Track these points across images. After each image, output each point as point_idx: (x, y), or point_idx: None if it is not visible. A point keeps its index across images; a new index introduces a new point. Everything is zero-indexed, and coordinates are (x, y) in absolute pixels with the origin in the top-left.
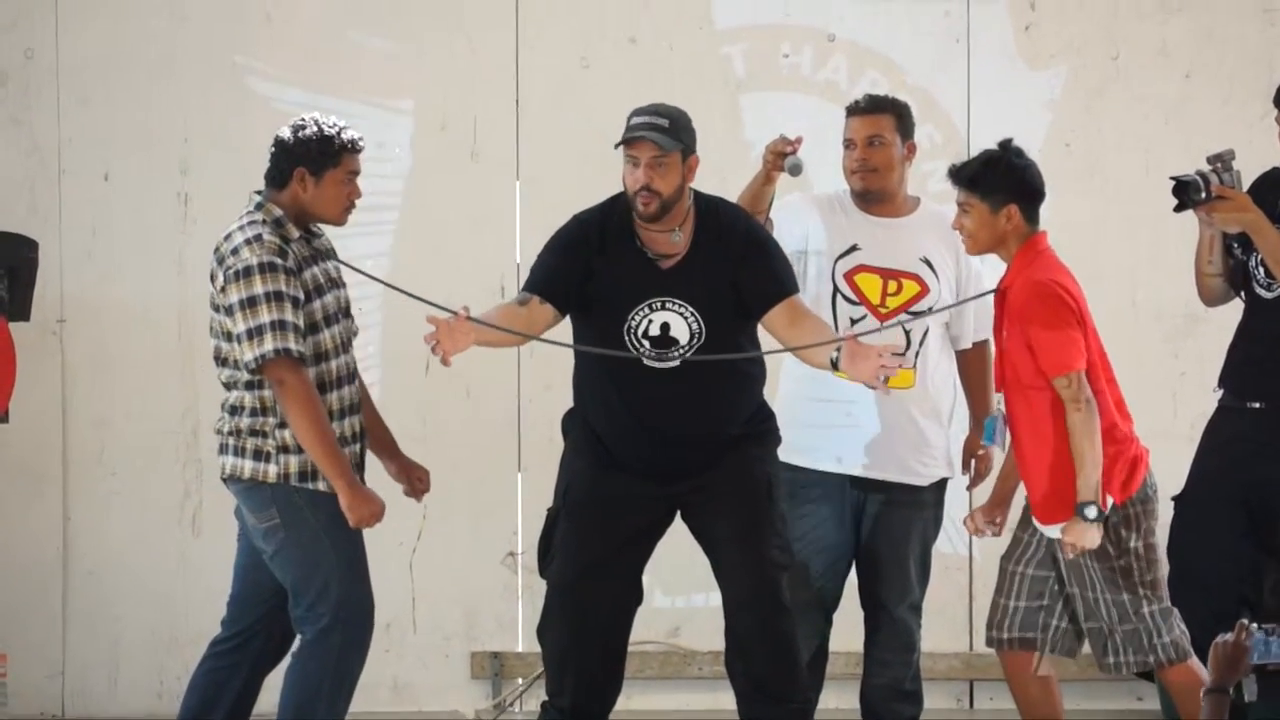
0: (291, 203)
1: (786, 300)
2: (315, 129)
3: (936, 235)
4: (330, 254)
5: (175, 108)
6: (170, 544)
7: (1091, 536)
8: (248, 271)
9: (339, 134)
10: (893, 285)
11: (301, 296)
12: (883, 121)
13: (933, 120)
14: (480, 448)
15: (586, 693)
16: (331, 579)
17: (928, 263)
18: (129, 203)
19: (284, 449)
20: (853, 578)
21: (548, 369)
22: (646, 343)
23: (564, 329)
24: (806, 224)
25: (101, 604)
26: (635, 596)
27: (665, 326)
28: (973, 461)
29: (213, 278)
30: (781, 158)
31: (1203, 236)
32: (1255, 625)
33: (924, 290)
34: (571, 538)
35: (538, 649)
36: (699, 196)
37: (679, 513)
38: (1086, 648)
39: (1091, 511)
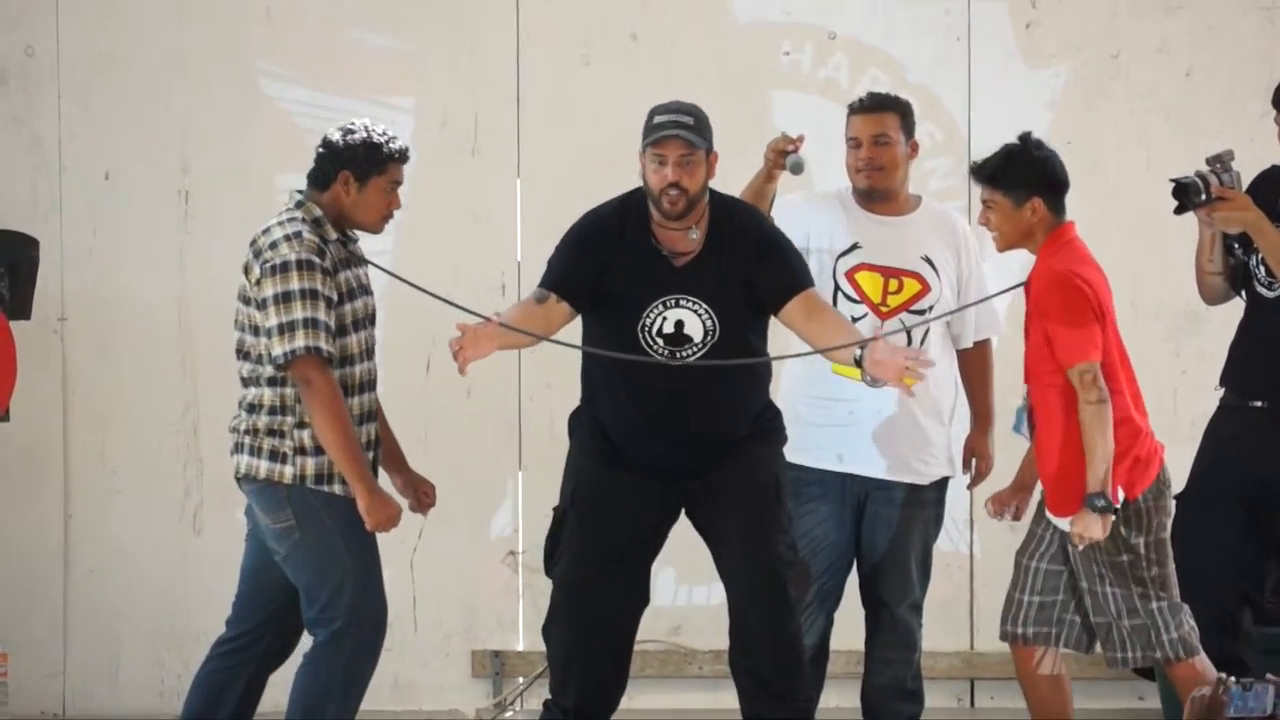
0: (332, 204)
1: (802, 294)
2: (364, 134)
3: (938, 234)
4: (362, 260)
5: (176, 105)
6: (171, 542)
7: (1099, 528)
8: (285, 267)
9: (387, 142)
10: (894, 284)
11: (335, 298)
12: (888, 120)
13: (933, 118)
14: (481, 446)
15: (591, 692)
16: (346, 582)
17: (929, 261)
18: (130, 200)
19: (301, 450)
20: (853, 576)
21: (548, 367)
22: (660, 340)
23: (571, 328)
24: (808, 222)
25: (102, 602)
26: (642, 596)
27: (679, 324)
28: (973, 460)
29: (246, 270)
30: (783, 156)
31: (1203, 236)
32: (1233, 680)
33: (925, 289)
34: (579, 537)
35: (539, 648)
36: (713, 194)
37: (684, 510)
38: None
39: (1099, 503)
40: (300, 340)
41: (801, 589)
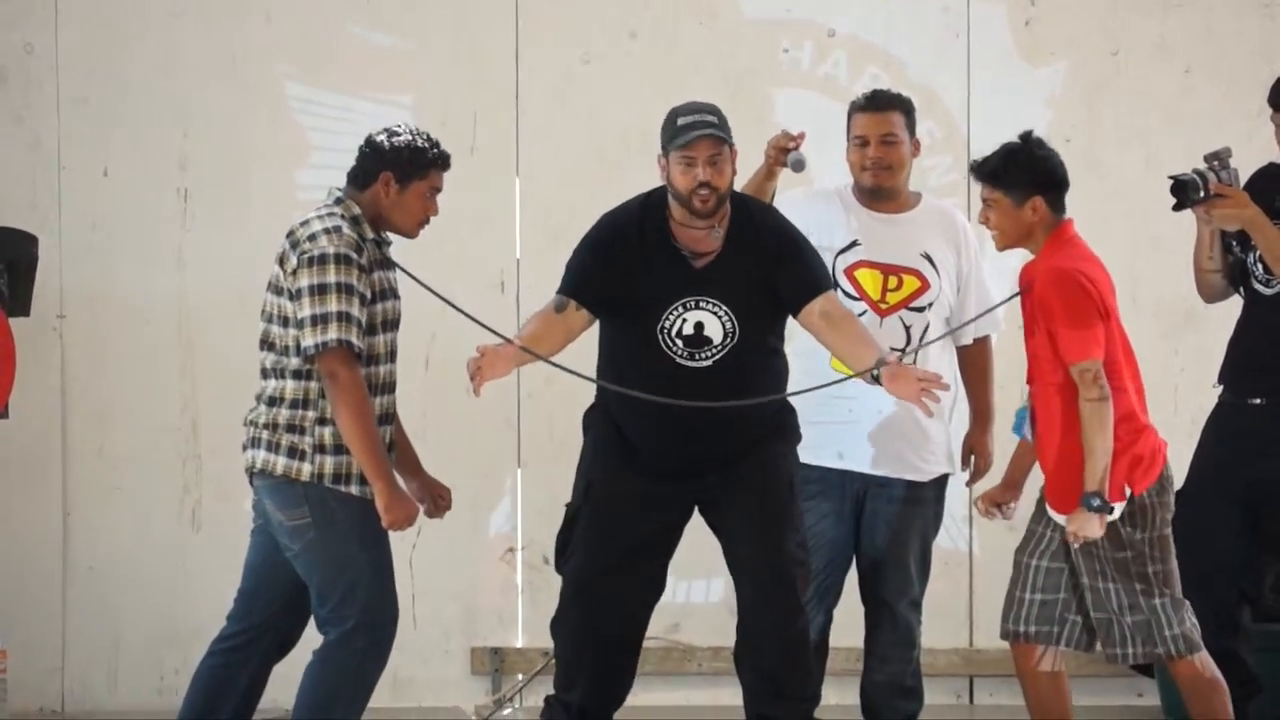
0: (371, 204)
1: (822, 297)
2: (409, 137)
3: (938, 230)
4: (392, 264)
5: (175, 103)
6: (170, 539)
7: (1094, 526)
8: (323, 259)
9: (431, 147)
10: (893, 281)
11: (368, 295)
12: (894, 119)
13: (933, 116)
14: (480, 444)
15: (599, 688)
16: (359, 582)
17: (928, 258)
18: (128, 198)
19: (320, 448)
20: (853, 574)
21: (548, 365)
22: (680, 341)
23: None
24: (807, 219)
25: (101, 599)
26: (655, 592)
27: (699, 326)
28: (972, 457)
29: (282, 260)
30: (784, 153)
31: (1202, 233)
32: None
33: (924, 286)
34: (593, 535)
35: (538, 645)
36: (731, 193)
37: (697, 507)
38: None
39: (1095, 502)
40: (332, 333)
41: (804, 587)
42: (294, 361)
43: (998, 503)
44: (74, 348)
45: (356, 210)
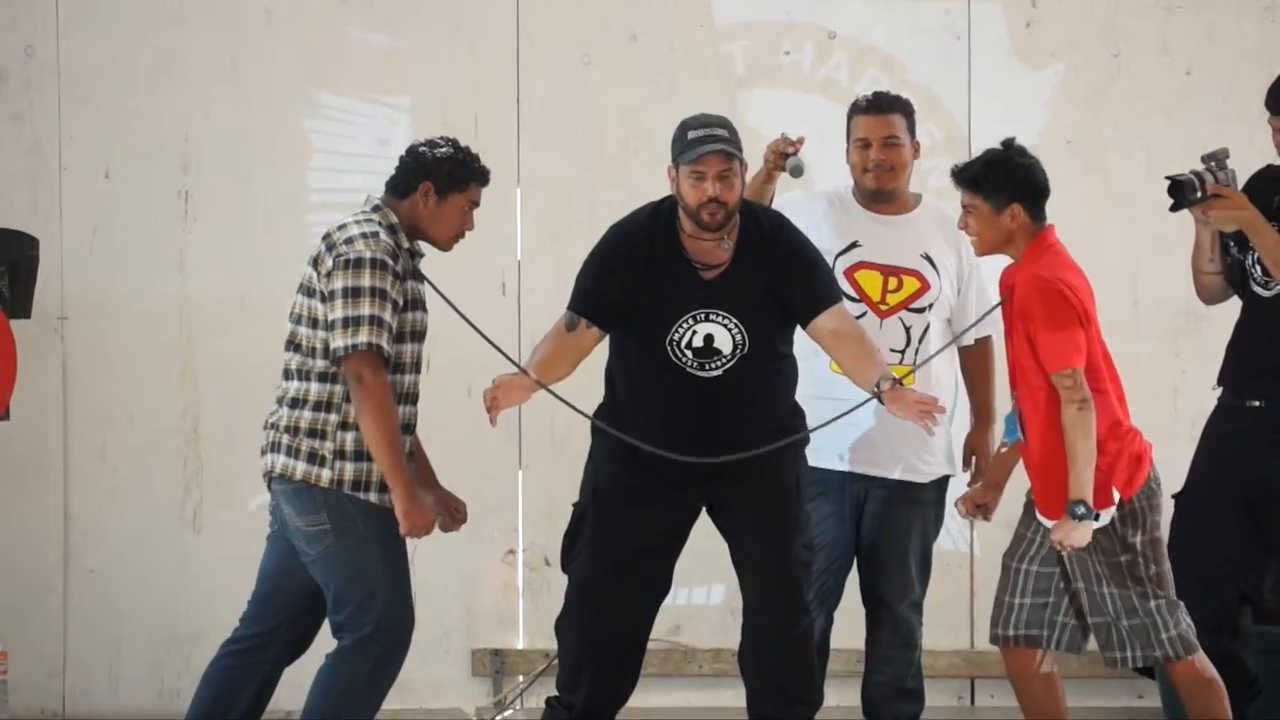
0: (408, 213)
1: (832, 310)
2: (451, 149)
3: (938, 231)
4: (422, 277)
5: (176, 105)
6: (171, 542)
7: (1081, 534)
8: (359, 263)
9: (473, 161)
10: (893, 282)
11: (400, 303)
12: (896, 121)
13: (934, 118)
14: (481, 446)
15: (603, 689)
16: (377, 589)
17: (929, 259)
18: (130, 200)
19: (341, 454)
20: (854, 575)
21: None
22: (689, 353)
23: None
24: (807, 220)
25: (102, 602)
26: (659, 595)
27: (709, 338)
28: (974, 458)
29: (316, 262)
30: (783, 158)
31: (1200, 235)
32: None
33: (925, 287)
34: (600, 535)
35: (538, 646)
36: (742, 203)
37: (705, 509)
38: (1092, 644)
39: (1080, 510)
40: (363, 336)
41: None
42: (320, 364)
43: (978, 503)
44: (75, 350)
45: (394, 219)
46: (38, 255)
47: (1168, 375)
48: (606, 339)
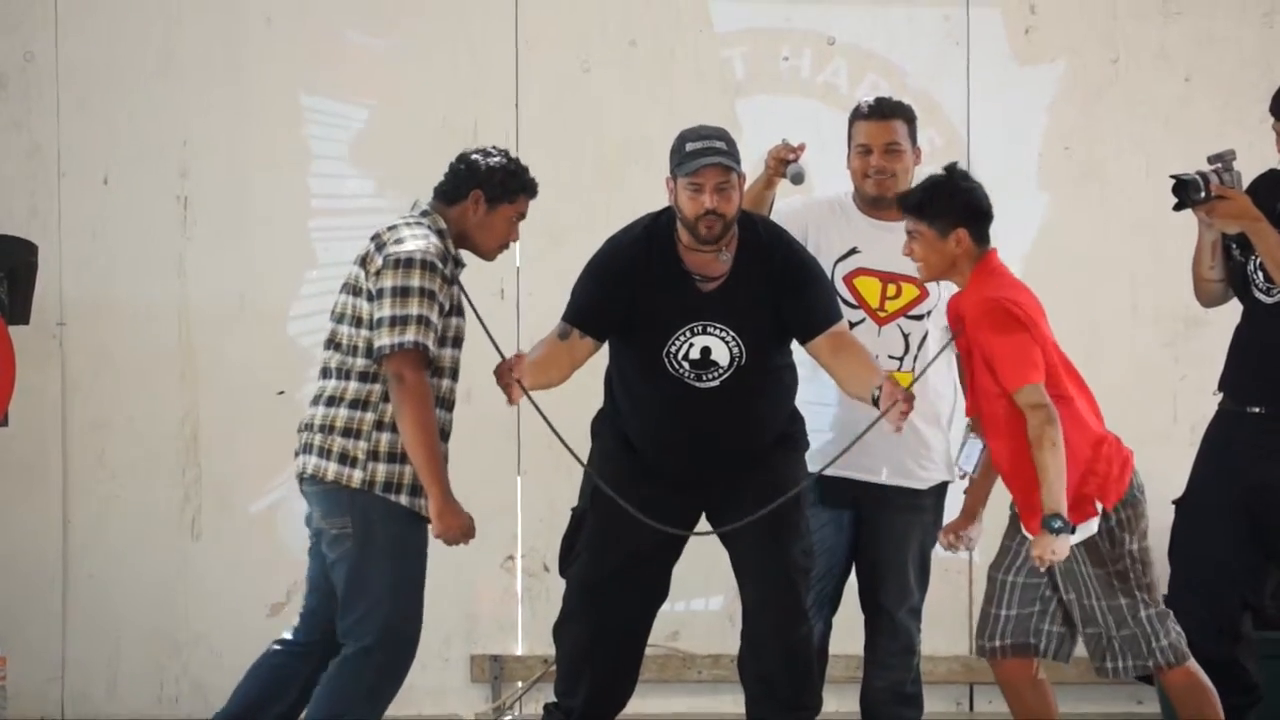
0: (457, 220)
1: (832, 330)
2: (504, 159)
3: None
4: (460, 285)
5: (175, 111)
6: (170, 547)
7: (1060, 548)
8: (409, 263)
9: (524, 173)
10: (892, 289)
11: (447, 307)
12: (897, 127)
13: (933, 123)
14: (480, 451)
15: (601, 693)
16: (384, 598)
17: None
18: (129, 206)
19: (374, 455)
20: (852, 581)
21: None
22: (686, 365)
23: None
24: (806, 227)
25: (101, 607)
26: (657, 600)
27: (706, 350)
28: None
29: (364, 261)
30: (784, 164)
31: (1202, 240)
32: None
33: (923, 294)
34: (599, 539)
35: (537, 652)
36: (741, 214)
37: (704, 513)
38: (1080, 649)
39: (1057, 524)
40: (410, 335)
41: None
42: (360, 362)
43: (958, 533)
44: (74, 356)
45: (443, 224)
46: (37, 261)
47: (1167, 380)
48: (605, 346)
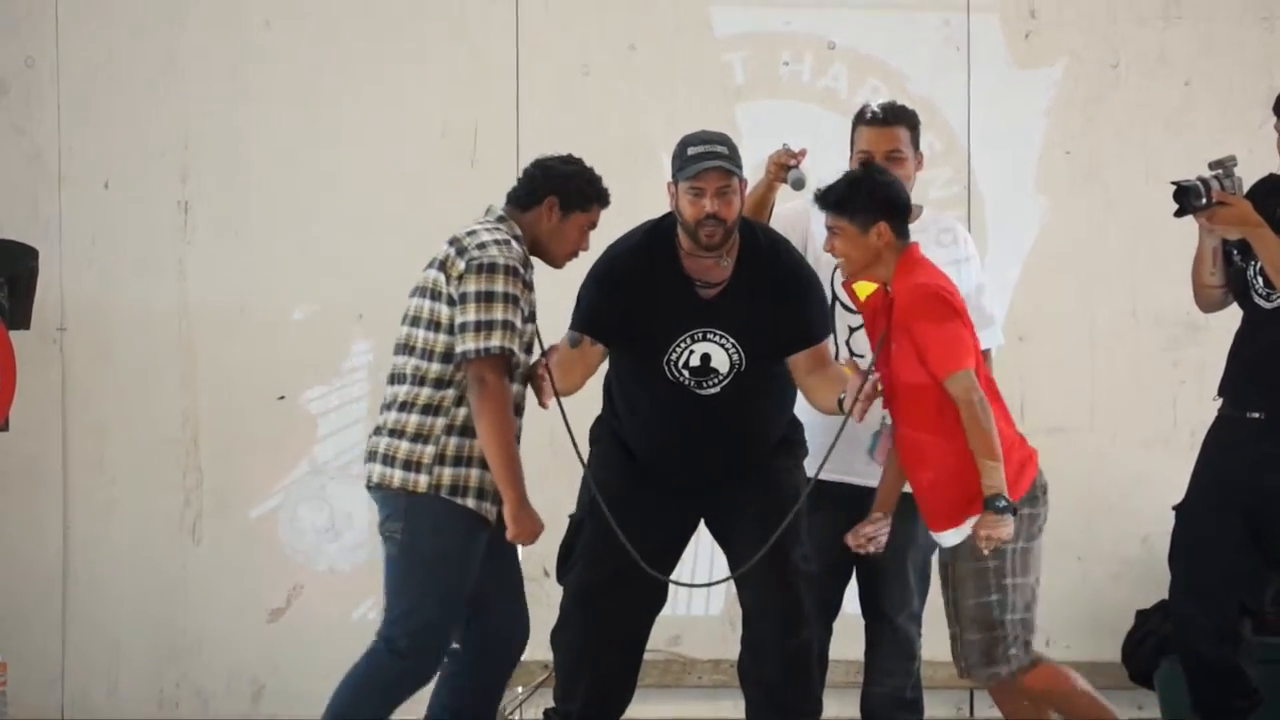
0: (531, 226)
1: (814, 348)
2: (579, 168)
3: (938, 245)
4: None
5: (175, 115)
6: (170, 552)
7: (1005, 528)
8: (493, 268)
9: (599, 182)
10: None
11: (527, 313)
12: (900, 134)
13: (933, 128)
14: None
15: (599, 700)
16: (421, 605)
17: None
18: (129, 210)
19: (441, 459)
20: (852, 586)
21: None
22: (686, 372)
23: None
24: (807, 232)
25: (101, 612)
26: (656, 606)
27: (705, 357)
28: None
29: (443, 265)
30: (784, 169)
31: (1202, 246)
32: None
33: None
34: (597, 545)
35: (537, 657)
36: (741, 220)
37: (703, 520)
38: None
39: (1001, 503)
40: (496, 340)
41: (809, 599)
42: (436, 367)
43: (868, 536)
44: (74, 360)
45: (518, 230)
46: (37, 266)
47: (1167, 385)
48: None
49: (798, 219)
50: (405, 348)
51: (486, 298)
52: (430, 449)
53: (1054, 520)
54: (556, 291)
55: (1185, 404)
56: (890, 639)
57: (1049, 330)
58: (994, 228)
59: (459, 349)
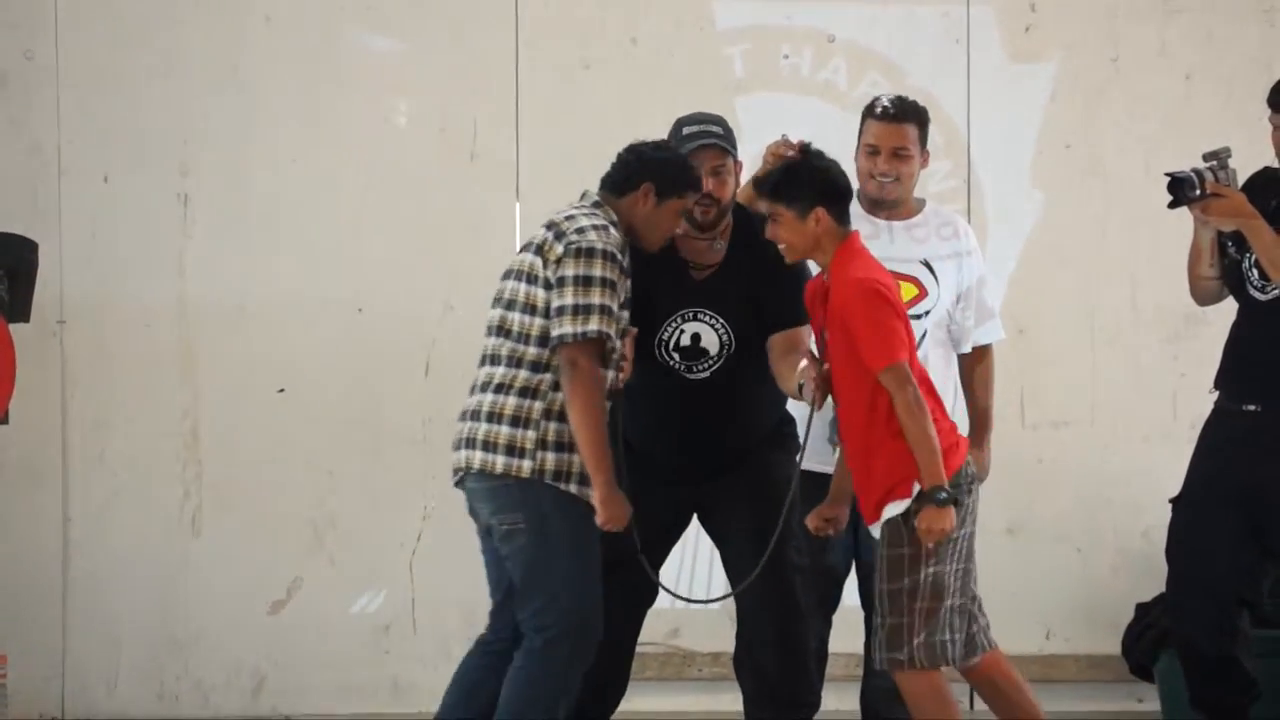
0: (626, 212)
1: (791, 330)
2: (674, 154)
3: (940, 239)
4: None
5: (175, 109)
6: (170, 545)
7: (945, 520)
8: (591, 252)
9: (693, 169)
10: None
11: (623, 298)
12: (908, 132)
13: (933, 122)
14: None
15: (592, 692)
16: (563, 588)
17: (928, 266)
18: (129, 204)
19: (543, 444)
20: (852, 579)
21: None
22: (676, 354)
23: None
24: None
25: (101, 605)
26: (648, 598)
27: (696, 337)
28: None
29: (540, 248)
30: (781, 161)
31: (1198, 239)
32: None
33: (922, 293)
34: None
35: None
36: (736, 206)
37: (696, 514)
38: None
39: (941, 495)
40: (594, 324)
41: (804, 592)
42: (532, 350)
43: (826, 518)
44: (74, 354)
45: (614, 216)
46: (37, 259)
47: (1167, 378)
48: None
49: None
50: (500, 330)
51: (584, 282)
52: (531, 434)
53: (1054, 513)
54: None
55: (1185, 397)
56: None
57: (1049, 324)
58: (993, 221)
59: (555, 332)
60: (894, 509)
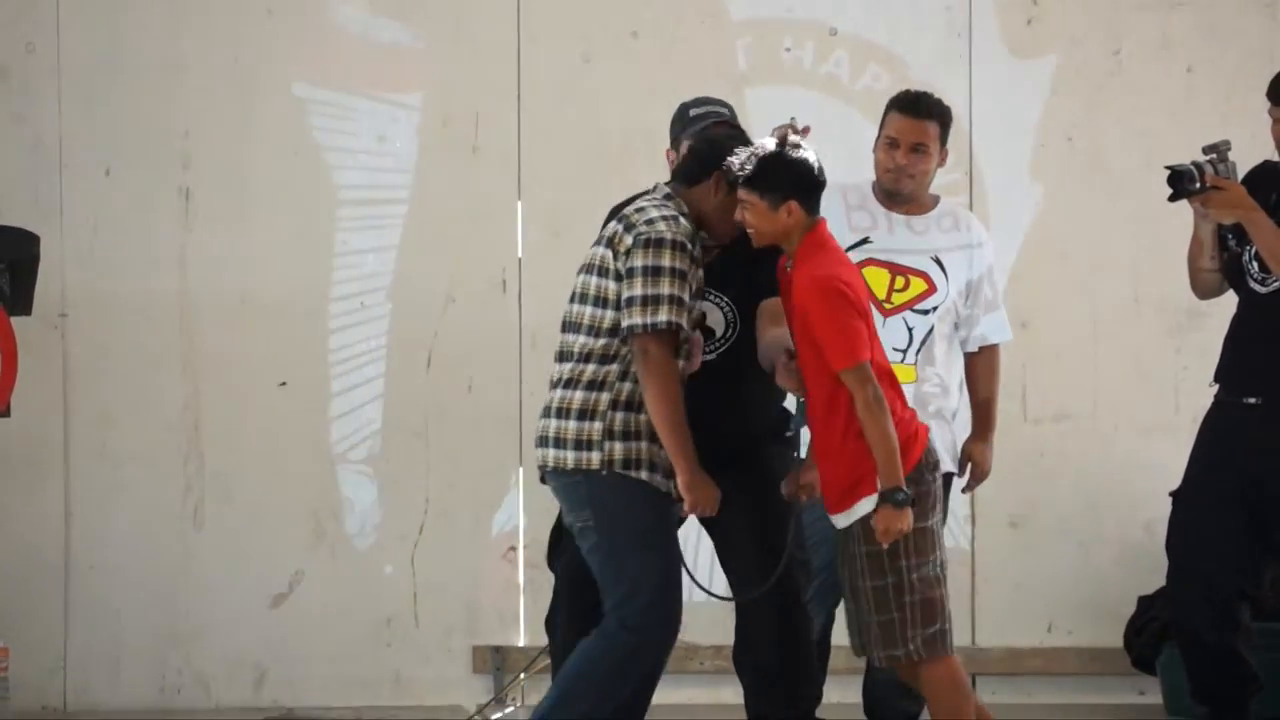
0: (696, 202)
1: (776, 299)
2: (744, 145)
3: (951, 235)
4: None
5: (177, 102)
6: (172, 538)
7: (903, 521)
8: (660, 243)
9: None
10: (900, 281)
11: (694, 288)
12: (930, 129)
13: None
14: (482, 442)
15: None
16: (641, 582)
17: (938, 262)
18: (130, 197)
19: (610, 434)
20: None
21: (549, 362)
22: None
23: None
24: (824, 209)
25: (103, 598)
26: None
27: (702, 317)
28: (969, 465)
29: (611, 241)
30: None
31: (1198, 232)
32: None
33: (931, 289)
34: None
35: (540, 643)
36: None
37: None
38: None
39: (899, 496)
40: (664, 315)
41: (804, 585)
42: (602, 343)
43: (802, 483)
44: (76, 347)
45: (684, 207)
46: (38, 252)
47: (1169, 371)
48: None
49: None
50: (573, 325)
51: (654, 272)
52: (598, 425)
53: (1057, 506)
54: None
55: (1187, 390)
56: None
57: (1051, 317)
58: (995, 214)
59: (625, 323)
60: (866, 505)
